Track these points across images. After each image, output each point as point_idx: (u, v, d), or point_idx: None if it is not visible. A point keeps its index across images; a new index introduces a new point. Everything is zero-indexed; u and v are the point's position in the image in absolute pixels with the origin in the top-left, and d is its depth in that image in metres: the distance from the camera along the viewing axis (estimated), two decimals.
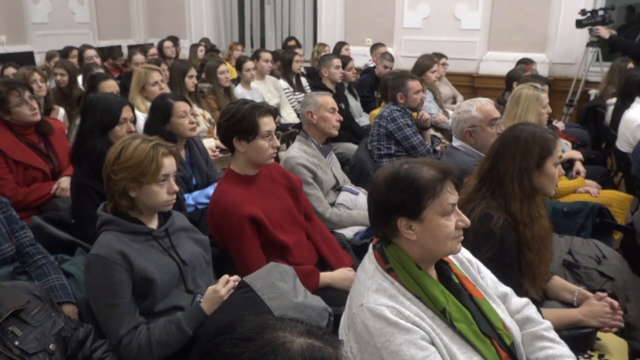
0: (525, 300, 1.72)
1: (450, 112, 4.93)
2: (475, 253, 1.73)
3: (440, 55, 5.42)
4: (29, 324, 1.50)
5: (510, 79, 4.43)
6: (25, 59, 6.53)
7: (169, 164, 1.83)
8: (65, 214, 2.64)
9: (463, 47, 6.62)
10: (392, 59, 5.60)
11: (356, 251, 2.62)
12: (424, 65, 4.66)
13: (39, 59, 7.25)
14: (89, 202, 2.37)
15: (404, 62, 6.56)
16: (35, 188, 2.89)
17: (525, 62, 5.01)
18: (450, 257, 1.60)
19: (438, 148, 3.87)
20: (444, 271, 1.55)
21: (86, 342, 1.68)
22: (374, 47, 6.36)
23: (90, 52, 5.80)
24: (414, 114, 3.73)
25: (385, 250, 1.51)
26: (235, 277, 1.87)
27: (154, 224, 1.90)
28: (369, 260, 1.55)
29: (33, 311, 1.54)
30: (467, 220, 1.49)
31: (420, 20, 6.92)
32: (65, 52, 6.24)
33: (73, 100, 4.58)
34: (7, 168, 2.83)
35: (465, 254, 1.68)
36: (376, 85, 5.38)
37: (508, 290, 1.72)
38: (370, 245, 1.60)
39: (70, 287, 2.12)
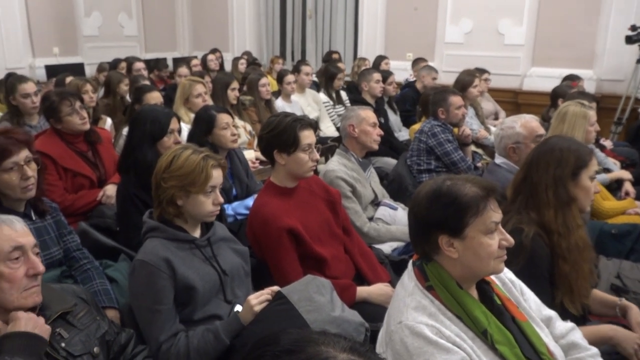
0: (570, 325, 1.67)
1: (492, 128, 4.86)
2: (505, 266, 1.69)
3: (482, 71, 5.35)
4: (75, 326, 1.55)
5: (556, 96, 4.33)
6: (76, 69, 6.79)
7: (217, 176, 1.87)
8: (111, 221, 2.72)
9: (506, 63, 6.52)
10: (435, 70, 5.58)
11: (394, 267, 2.60)
12: (465, 80, 4.61)
13: (89, 70, 7.53)
14: (134, 210, 2.43)
15: (445, 77, 6.51)
16: (83, 195, 2.99)
17: (571, 79, 4.89)
18: (492, 277, 1.56)
19: (479, 165, 3.81)
20: (486, 291, 1.52)
21: (128, 347, 1.71)
22: (416, 62, 6.34)
23: (139, 65, 5.99)
24: (455, 130, 3.69)
25: (426, 267, 1.49)
26: (276, 287, 1.88)
27: (196, 233, 1.94)
28: (409, 277, 1.53)
29: (79, 314, 1.58)
30: (511, 240, 1.46)
31: (462, 35, 6.87)
32: (114, 64, 6.46)
33: (119, 111, 4.73)
34: (56, 175, 2.93)
35: (507, 274, 1.64)
36: (418, 100, 5.36)
37: (552, 314, 1.67)
38: (410, 261, 1.58)
39: (113, 292, 2.18)
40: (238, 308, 1.91)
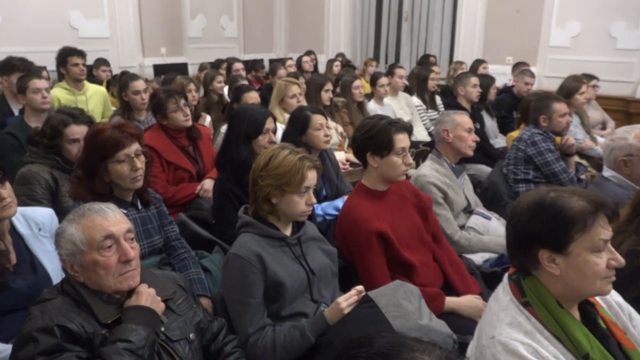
0: None
1: (599, 139, 4.56)
2: (619, 292, 1.56)
3: (590, 77, 5.01)
4: (175, 312, 1.64)
5: None
6: (180, 69, 7.21)
7: (312, 177, 1.90)
8: (208, 214, 2.85)
9: (618, 69, 6.07)
10: (532, 76, 5.30)
11: (485, 279, 2.50)
12: (571, 86, 4.34)
13: (192, 70, 7.96)
14: (229, 205, 2.53)
15: (548, 82, 6.17)
16: (182, 187, 3.16)
17: None
18: (597, 298, 1.46)
19: (583, 177, 3.57)
20: (589, 313, 1.42)
21: (219, 335, 1.79)
22: (517, 66, 6.07)
23: (238, 65, 6.23)
24: (558, 139, 3.48)
25: (523, 282, 1.42)
26: (360, 287, 1.88)
27: (288, 231, 1.98)
28: (504, 291, 1.47)
29: (178, 301, 1.67)
30: (622, 260, 1.35)
31: (569, 38, 6.48)
32: (216, 65, 6.77)
33: (216, 108, 4.95)
34: (160, 167, 3.12)
35: (615, 297, 1.52)
36: (515, 106, 5.12)
37: None
38: (506, 275, 1.51)
39: (207, 281, 2.28)
40: (324, 308, 1.93)
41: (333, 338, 1.79)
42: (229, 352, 1.76)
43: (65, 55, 4.51)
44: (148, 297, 1.53)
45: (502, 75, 6.62)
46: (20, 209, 1.96)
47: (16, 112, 4.08)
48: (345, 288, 2.00)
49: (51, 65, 4.66)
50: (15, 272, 1.87)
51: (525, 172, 3.38)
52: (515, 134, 3.97)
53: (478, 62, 6.43)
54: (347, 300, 1.82)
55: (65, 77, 4.57)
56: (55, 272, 1.95)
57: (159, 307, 1.56)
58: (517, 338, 1.32)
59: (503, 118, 5.25)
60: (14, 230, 1.94)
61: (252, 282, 1.81)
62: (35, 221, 2.01)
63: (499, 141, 4.91)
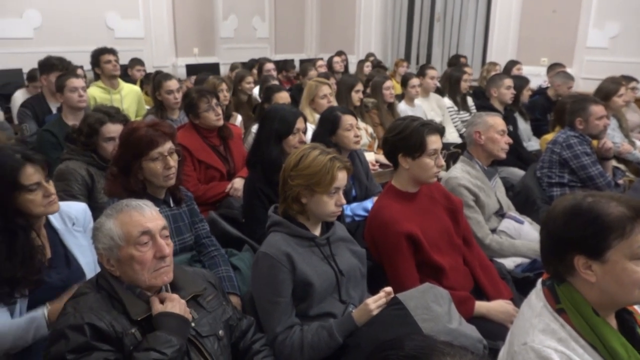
0: None
1: (638, 142, 4.43)
2: None
3: (629, 79, 4.86)
4: (205, 308, 1.66)
5: None
6: (212, 69, 7.31)
7: (342, 178, 1.89)
8: (238, 212, 2.88)
9: None
10: (572, 79, 5.18)
11: (516, 284, 2.45)
12: (609, 88, 4.22)
13: (223, 70, 8.06)
14: (259, 204, 2.55)
15: (584, 84, 6.02)
16: (213, 186, 3.20)
17: None
18: (637, 307, 1.41)
19: (621, 182, 3.47)
20: (627, 322, 1.38)
21: (248, 333, 1.80)
22: (552, 67, 5.94)
23: (269, 65, 6.27)
24: (594, 142, 3.39)
25: (557, 288, 1.39)
26: (389, 289, 1.87)
27: (317, 231, 1.98)
28: (537, 297, 1.43)
29: (208, 297, 1.69)
30: None
31: (607, 39, 6.31)
32: (250, 65, 6.83)
33: (246, 107, 5.00)
34: (192, 166, 3.17)
35: None
36: (549, 108, 5.01)
37: None
38: (540, 280, 1.48)
39: (236, 279, 2.30)
40: (352, 308, 1.92)
41: (361, 339, 1.78)
42: (257, 350, 1.77)
43: (98, 55, 4.63)
44: (180, 305, 1.55)
45: (536, 76, 6.48)
46: None
47: (54, 110, 4.20)
48: (373, 290, 1.99)
49: (88, 64, 4.78)
50: (50, 266, 1.93)
51: (560, 176, 3.31)
52: (549, 136, 3.89)
53: (512, 63, 6.32)
54: (375, 302, 1.81)
55: (100, 76, 4.68)
56: (88, 266, 2.00)
57: (188, 315, 1.57)
58: (550, 345, 1.29)
59: (537, 120, 5.14)
60: (49, 225, 1.99)
61: (281, 281, 1.82)
62: (69, 216, 2.06)
63: (532, 144, 4.82)
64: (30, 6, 6.62)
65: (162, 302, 1.55)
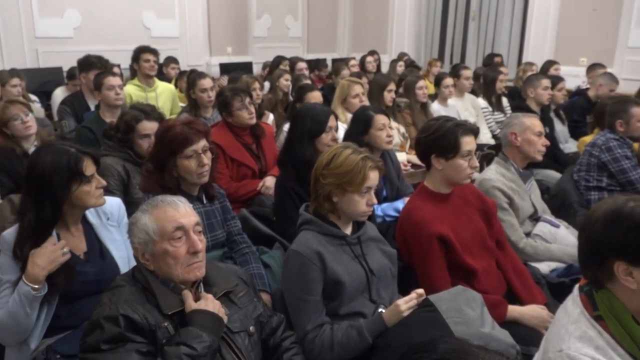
0: None
1: None
2: None
3: None
4: (236, 304, 1.68)
5: None
6: (245, 68, 7.38)
7: (374, 177, 1.88)
8: (269, 210, 2.90)
9: None
10: (616, 81, 5.02)
11: (551, 289, 2.40)
12: None
13: (256, 69, 8.12)
14: (290, 203, 2.56)
15: (626, 85, 5.82)
16: (245, 184, 3.23)
17: None
18: None
19: None
20: None
21: (278, 330, 1.81)
22: (591, 68, 5.77)
23: (301, 65, 6.29)
24: (635, 145, 3.29)
25: (595, 295, 1.35)
26: (421, 290, 1.85)
27: (348, 230, 1.97)
28: (574, 303, 1.40)
29: (240, 293, 1.71)
30: None
31: None
32: (277, 62, 6.87)
33: (280, 106, 5.02)
34: (224, 164, 3.21)
35: None
36: (589, 110, 4.87)
37: None
38: (577, 286, 1.44)
39: (267, 276, 2.32)
40: (382, 309, 1.91)
41: (391, 340, 1.77)
42: (286, 348, 1.78)
43: (139, 52, 4.73)
44: (215, 304, 1.56)
45: (574, 77, 6.31)
46: None
47: (92, 108, 4.30)
48: (404, 291, 1.97)
49: (125, 63, 4.89)
50: (86, 260, 1.98)
51: (598, 179, 3.22)
52: (588, 138, 3.79)
53: (549, 63, 6.16)
54: (406, 303, 1.80)
55: (137, 73, 4.78)
56: (121, 260, 2.04)
57: (222, 315, 1.57)
58: (587, 353, 1.26)
59: (575, 122, 5.01)
60: (84, 219, 2.05)
61: (312, 280, 1.82)
62: (104, 211, 2.11)
63: (569, 146, 4.70)
64: (71, 6, 6.81)
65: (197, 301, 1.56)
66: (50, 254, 1.82)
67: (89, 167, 1.91)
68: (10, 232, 1.88)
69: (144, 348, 1.45)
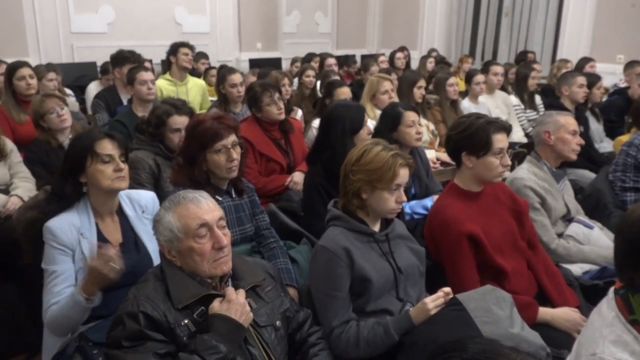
0: None
1: None
2: None
3: None
4: (263, 299, 1.68)
5: None
6: (274, 63, 7.41)
7: (404, 175, 1.87)
8: (297, 206, 2.91)
9: None
10: None
11: (584, 291, 2.34)
12: None
13: (285, 64, 8.15)
14: (318, 199, 2.55)
15: None
16: (273, 179, 3.24)
17: None
18: None
19: None
20: None
21: (304, 325, 1.81)
22: (630, 65, 5.59)
23: (331, 60, 6.28)
24: None
25: (631, 298, 1.31)
26: (448, 289, 1.83)
27: (376, 227, 1.96)
28: (608, 306, 1.36)
29: (267, 288, 1.72)
30: None
31: None
32: (308, 59, 6.88)
33: (307, 101, 5.03)
34: (253, 158, 3.22)
35: None
36: (627, 109, 4.73)
37: None
38: (612, 289, 1.40)
39: (294, 271, 2.32)
40: (409, 307, 1.90)
41: (418, 338, 1.76)
42: (313, 343, 1.78)
43: (178, 46, 4.84)
44: (238, 307, 1.52)
45: (610, 74, 6.14)
46: (126, 191, 2.11)
47: (125, 102, 4.39)
48: (431, 289, 1.95)
49: (157, 58, 4.98)
50: (121, 251, 2.01)
51: (635, 180, 3.12)
52: (624, 138, 3.67)
53: (585, 60, 6.00)
54: (434, 301, 1.78)
55: (171, 67, 4.85)
56: (155, 252, 2.05)
57: (247, 318, 1.55)
58: (622, 358, 1.23)
59: (611, 122, 4.87)
60: (121, 211, 2.09)
61: (339, 276, 1.82)
62: (140, 203, 2.15)
63: (604, 145, 4.57)
64: (105, 2, 6.95)
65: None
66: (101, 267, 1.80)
67: (105, 147, 1.97)
68: (54, 223, 1.93)
69: (162, 349, 1.45)
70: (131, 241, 2.06)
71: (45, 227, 1.92)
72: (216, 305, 1.53)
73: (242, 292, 1.58)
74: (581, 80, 4.41)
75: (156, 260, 2.00)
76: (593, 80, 4.66)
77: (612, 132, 4.73)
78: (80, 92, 5.62)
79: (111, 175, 1.96)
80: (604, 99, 5.18)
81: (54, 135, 3.17)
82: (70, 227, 1.93)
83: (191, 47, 4.88)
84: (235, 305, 1.52)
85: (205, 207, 1.59)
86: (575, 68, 5.79)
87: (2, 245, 2.65)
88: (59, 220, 1.94)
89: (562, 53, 7.05)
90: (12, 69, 3.88)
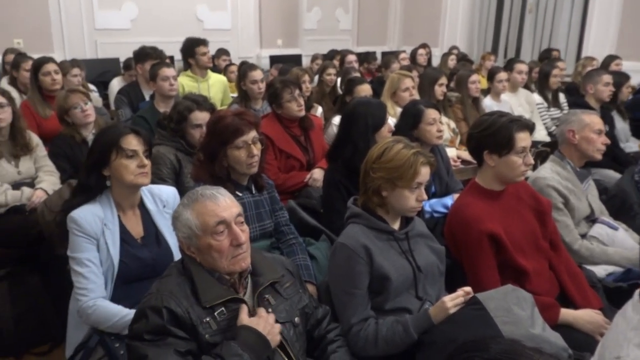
0: None
1: None
2: None
3: None
4: (282, 295, 1.69)
5: None
6: (295, 60, 7.41)
7: (425, 173, 1.85)
8: (316, 203, 2.91)
9: None
10: None
11: (607, 294, 2.30)
12: None
13: (305, 61, 8.15)
14: (338, 196, 2.55)
15: None
16: (292, 175, 3.25)
17: None
18: None
19: None
20: None
21: (323, 322, 1.81)
22: None
23: (351, 57, 6.26)
24: None
25: None
26: (468, 288, 1.81)
27: (396, 225, 1.95)
28: (634, 309, 1.34)
29: (286, 284, 1.72)
30: None
31: None
32: (330, 56, 6.85)
33: (327, 98, 5.02)
34: (273, 155, 3.24)
35: None
36: None
37: None
38: (637, 291, 1.38)
39: (313, 268, 2.33)
40: (428, 305, 1.89)
41: (437, 337, 1.74)
42: (331, 340, 1.78)
43: (193, 47, 4.80)
44: (267, 325, 1.53)
45: (637, 72, 6.00)
46: (148, 186, 2.13)
47: (147, 98, 4.43)
48: (451, 288, 1.94)
49: (179, 55, 5.00)
50: (143, 244, 2.05)
51: None
52: None
53: (610, 58, 5.88)
54: (453, 300, 1.77)
55: (192, 66, 4.87)
56: (176, 247, 2.08)
57: (274, 339, 1.54)
58: None
59: (636, 120, 4.76)
60: (142, 205, 2.12)
61: (358, 273, 1.81)
62: (161, 198, 2.18)
63: (630, 145, 4.48)
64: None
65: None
66: None
67: (130, 142, 2.00)
68: (77, 213, 1.97)
69: (183, 347, 1.45)
70: (152, 235, 2.09)
71: (70, 217, 1.96)
72: (245, 317, 1.52)
73: (272, 315, 1.58)
74: (607, 78, 4.32)
75: (176, 254, 2.03)
76: (622, 79, 4.57)
77: (638, 130, 4.63)
78: (103, 87, 5.70)
79: (134, 170, 1.99)
80: (630, 97, 5.06)
81: (78, 130, 3.22)
82: (95, 218, 1.97)
83: (205, 43, 4.79)
84: (265, 322, 1.53)
85: (222, 204, 1.59)
86: (601, 66, 5.67)
87: (27, 238, 2.72)
88: (83, 210, 1.98)
89: (587, 51, 6.92)
90: (38, 64, 3.96)
